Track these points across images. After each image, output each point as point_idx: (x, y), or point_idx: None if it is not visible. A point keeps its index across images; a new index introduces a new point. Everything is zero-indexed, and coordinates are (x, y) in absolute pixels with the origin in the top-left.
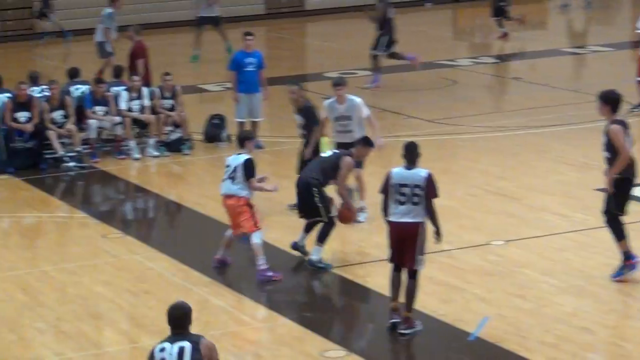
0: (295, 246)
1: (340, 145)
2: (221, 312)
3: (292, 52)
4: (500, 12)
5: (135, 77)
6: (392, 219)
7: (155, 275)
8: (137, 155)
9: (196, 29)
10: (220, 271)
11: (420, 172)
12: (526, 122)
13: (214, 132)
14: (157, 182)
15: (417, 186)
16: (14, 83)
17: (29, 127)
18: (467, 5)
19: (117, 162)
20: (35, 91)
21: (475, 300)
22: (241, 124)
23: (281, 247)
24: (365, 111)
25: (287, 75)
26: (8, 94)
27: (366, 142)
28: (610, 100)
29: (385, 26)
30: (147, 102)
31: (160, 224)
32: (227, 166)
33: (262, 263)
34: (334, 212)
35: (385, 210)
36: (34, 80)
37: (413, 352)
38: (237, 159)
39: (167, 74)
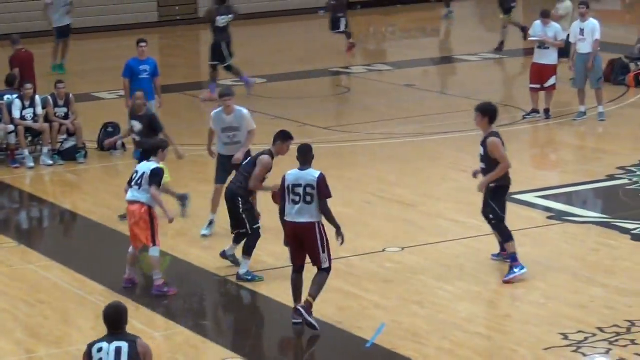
0: (223, 255)
1: (226, 158)
2: None
3: (186, 59)
4: (337, 24)
5: (28, 85)
6: (288, 219)
7: (51, 284)
8: (31, 164)
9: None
10: (119, 282)
11: (313, 172)
12: (420, 129)
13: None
14: (51, 191)
15: (309, 186)
16: None
17: None
18: (360, 12)
19: (11, 171)
20: None
21: (372, 307)
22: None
23: (177, 255)
24: (252, 124)
25: (181, 83)
26: None
27: (285, 137)
28: (489, 112)
29: (217, 34)
30: (40, 110)
31: (55, 233)
32: (135, 172)
33: (158, 277)
34: (259, 224)
35: (283, 211)
36: None
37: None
38: (146, 166)
39: (59, 81)
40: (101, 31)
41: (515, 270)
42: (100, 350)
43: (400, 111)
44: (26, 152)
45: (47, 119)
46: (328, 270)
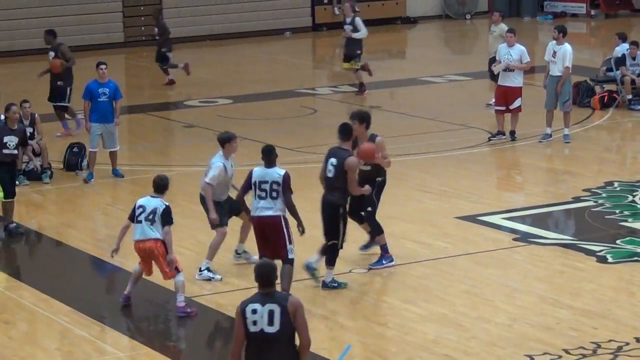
0: (309, 267)
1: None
2: (83, 341)
3: (152, 80)
4: (164, 59)
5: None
6: (255, 213)
7: (15, 304)
8: (26, 182)
9: None
10: (84, 302)
11: (279, 170)
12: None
13: (74, 160)
14: (16, 210)
15: (275, 182)
16: None
17: None
18: (326, 34)
19: None
20: None
21: (338, 328)
22: (93, 153)
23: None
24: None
25: (147, 104)
26: None
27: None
28: (366, 119)
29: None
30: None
31: (20, 253)
32: (141, 207)
33: (181, 300)
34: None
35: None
36: None
37: None
38: (154, 202)
39: (25, 101)
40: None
41: (384, 261)
42: (254, 311)
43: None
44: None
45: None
46: (292, 261)
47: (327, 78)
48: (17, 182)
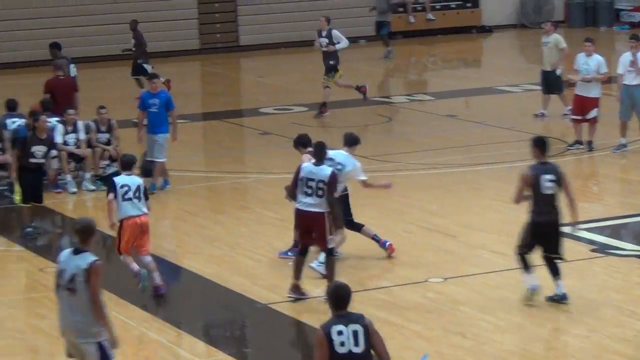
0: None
1: None
2: (160, 347)
3: (227, 87)
4: (139, 71)
5: (70, 111)
6: (299, 207)
7: None
8: (74, 189)
9: None
10: (159, 306)
11: (326, 169)
12: (461, 160)
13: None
14: (93, 216)
15: (322, 181)
16: None
17: None
18: (402, 42)
19: (53, 196)
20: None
21: (415, 337)
22: (149, 162)
23: (219, 282)
24: None
25: (222, 111)
26: None
27: None
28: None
29: None
30: (82, 135)
31: (100, 258)
32: (126, 186)
33: (158, 278)
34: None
35: (294, 198)
36: (10, 108)
37: None
38: (134, 179)
39: (101, 107)
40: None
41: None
42: (340, 333)
43: (441, 141)
44: (68, 177)
45: (89, 144)
46: (332, 250)
47: (403, 86)
48: (93, 187)
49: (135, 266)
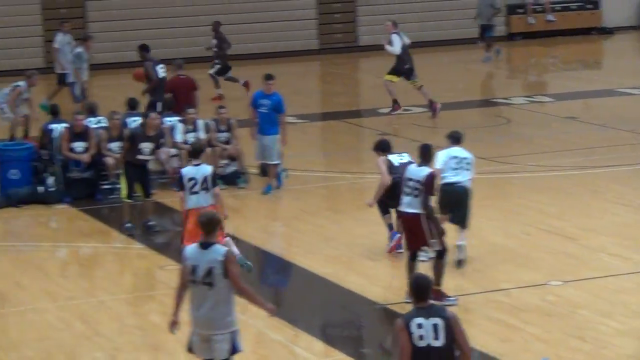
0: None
1: None
2: (278, 345)
3: (346, 87)
4: (223, 72)
5: (191, 110)
6: (399, 208)
7: None
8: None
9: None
10: (277, 305)
11: (425, 170)
12: (581, 162)
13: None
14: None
15: (418, 181)
16: (71, 114)
17: (86, 158)
18: (521, 43)
19: (173, 194)
20: (92, 122)
21: (534, 340)
22: (260, 164)
23: (335, 281)
24: None
25: (341, 111)
26: (65, 124)
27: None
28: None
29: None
30: (202, 134)
31: None
32: (193, 179)
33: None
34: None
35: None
36: (91, 111)
37: None
38: (202, 170)
39: (221, 107)
40: (261, 57)
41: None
42: (420, 326)
43: (560, 143)
44: None
45: (209, 143)
46: (442, 253)
47: (522, 88)
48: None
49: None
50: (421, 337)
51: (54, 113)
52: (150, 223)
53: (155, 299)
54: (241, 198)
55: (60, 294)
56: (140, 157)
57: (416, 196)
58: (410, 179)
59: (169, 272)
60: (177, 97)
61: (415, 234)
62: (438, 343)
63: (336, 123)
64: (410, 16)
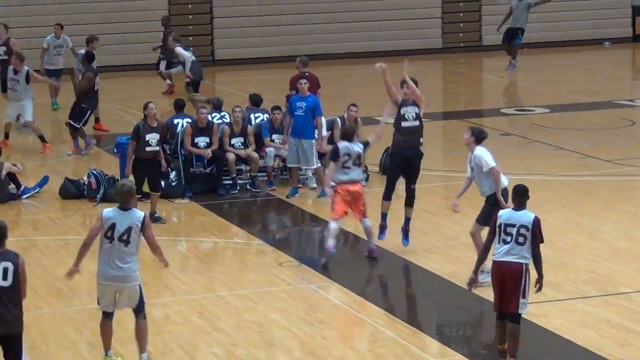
0: None
1: None
2: (394, 344)
3: (468, 87)
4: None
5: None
6: (495, 258)
7: (330, 305)
8: (314, 185)
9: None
10: (396, 303)
11: (529, 214)
12: None
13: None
14: (327, 211)
15: (523, 226)
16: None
17: (208, 153)
18: None
19: (282, 190)
20: (215, 117)
21: None
22: (292, 169)
23: (456, 282)
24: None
25: (462, 110)
26: (188, 119)
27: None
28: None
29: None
30: (324, 132)
31: (336, 254)
32: (347, 155)
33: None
34: None
35: (487, 249)
36: (216, 106)
37: None
38: (354, 146)
39: (353, 105)
40: (383, 55)
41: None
42: None
43: None
44: (309, 172)
45: (331, 140)
46: (519, 318)
47: None
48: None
49: (331, 242)
50: None
51: (179, 107)
52: (156, 215)
53: (273, 295)
54: None
55: (179, 289)
56: (148, 149)
57: (520, 243)
58: (511, 225)
59: (287, 269)
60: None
61: (512, 288)
62: None
63: (457, 122)
64: (535, 16)
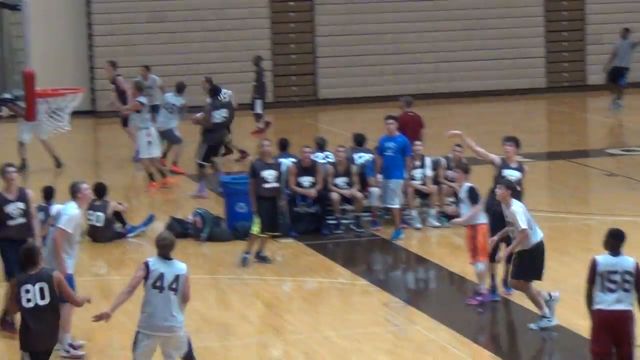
0: None
1: None
2: None
3: (573, 126)
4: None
5: (418, 144)
6: (601, 307)
7: (437, 346)
8: (418, 225)
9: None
10: (507, 349)
11: (629, 259)
12: None
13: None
14: (437, 252)
15: (627, 272)
16: (298, 148)
17: (313, 192)
18: None
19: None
20: (319, 157)
21: None
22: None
23: (563, 325)
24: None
25: (568, 150)
26: (292, 159)
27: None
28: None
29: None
30: (429, 171)
31: (441, 295)
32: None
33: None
34: None
35: (590, 299)
36: (320, 146)
37: None
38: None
39: (458, 145)
40: (486, 95)
41: None
42: None
43: None
44: (414, 212)
45: (436, 180)
46: None
47: None
48: (438, 224)
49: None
50: None
51: (283, 147)
52: (262, 254)
53: (380, 336)
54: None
55: (284, 328)
56: (266, 186)
57: (627, 290)
58: (613, 272)
59: (393, 310)
60: (405, 133)
61: (622, 336)
62: None
63: (562, 162)
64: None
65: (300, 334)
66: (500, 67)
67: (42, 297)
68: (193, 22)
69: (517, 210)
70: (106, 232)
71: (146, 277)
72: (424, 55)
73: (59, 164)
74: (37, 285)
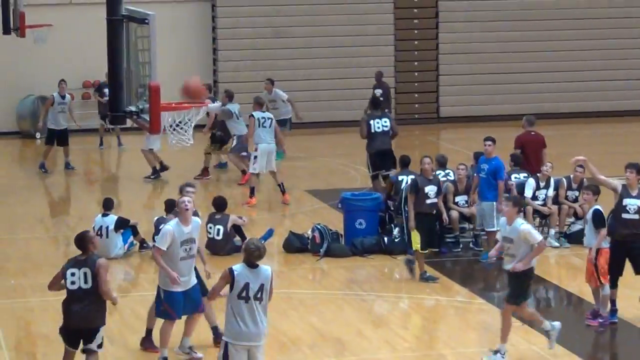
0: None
1: None
2: None
3: None
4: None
5: (546, 167)
6: None
7: None
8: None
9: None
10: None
11: None
12: None
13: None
14: (556, 273)
15: None
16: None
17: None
18: None
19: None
20: (440, 175)
21: None
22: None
23: None
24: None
25: None
26: (412, 176)
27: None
28: None
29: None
30: (551, 192)
31: (559, 317)
32: None
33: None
34: None
35: None
36: (441, 163)
37: None
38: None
39: (580, 166)
40: (608, 116)
41: None
42: None
43: None
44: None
45: (556, 200)
46: None
47: None
48: (557, 244)
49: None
50: None
51: (403, 164)
52: (427, 275)
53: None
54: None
55: (400, 345)
56: (428, 201)
57: None
58: None
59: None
60: (526, 153)
61: None
62: None
63: None
64: None
65: (416, 351)
66: (622, 87)
67: (85, 282)
68: (320, 38)
69: (527, 226)
70: (225, 246)
71: (231, 286)
72: (548, 75)
73: (156, 176)
74: (82, 270)
